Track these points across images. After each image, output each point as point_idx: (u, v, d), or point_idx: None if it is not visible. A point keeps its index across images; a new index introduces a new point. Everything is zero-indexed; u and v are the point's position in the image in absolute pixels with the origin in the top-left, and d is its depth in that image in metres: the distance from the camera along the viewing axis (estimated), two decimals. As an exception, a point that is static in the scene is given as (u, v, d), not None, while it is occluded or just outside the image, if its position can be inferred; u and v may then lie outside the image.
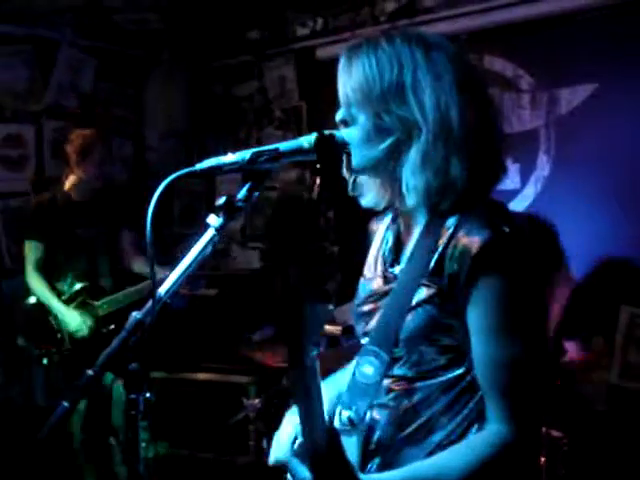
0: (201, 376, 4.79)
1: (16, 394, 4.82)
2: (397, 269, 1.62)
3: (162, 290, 1.46)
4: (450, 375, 1.50)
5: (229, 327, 4.98)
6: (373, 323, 1.61)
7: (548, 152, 4.23)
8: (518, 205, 4.26)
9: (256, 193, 1.52)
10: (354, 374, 1.61)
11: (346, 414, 1.60)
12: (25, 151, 4.89)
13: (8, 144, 4.81)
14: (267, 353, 3.76)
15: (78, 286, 4.19)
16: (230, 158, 1.50)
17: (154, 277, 1.42)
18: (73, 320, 4.09)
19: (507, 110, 4.30)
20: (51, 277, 4.21)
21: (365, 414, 1.58)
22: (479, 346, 1.46)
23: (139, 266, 4.38)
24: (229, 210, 1.49)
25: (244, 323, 4.99)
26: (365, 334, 1.64)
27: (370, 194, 1.66)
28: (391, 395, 1.56)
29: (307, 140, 1.53)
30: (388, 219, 1.76)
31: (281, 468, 1.62)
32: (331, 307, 3.74)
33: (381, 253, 1.71)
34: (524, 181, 4.30)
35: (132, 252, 4.41)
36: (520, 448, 1.46)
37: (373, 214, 1.77)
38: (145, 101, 5.74)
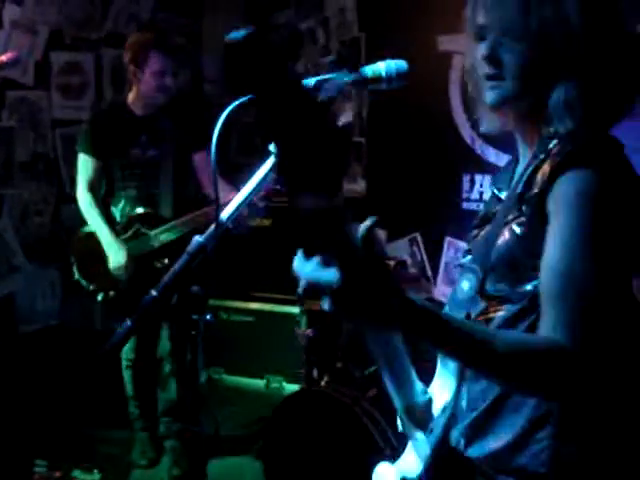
0: (254, 305, 4.87)
1: (74, 317, 4.96)
2: (504, 194, 1.60)
3: (224, 216, 1.48)
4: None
5: (282, 258, 5.01)
6: (476, 242, 1.62)
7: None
8: None
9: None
10: (454, 291, 1.61)
11: None
12: (84, 79, 4.93)
13: (67, 72, 4.84)
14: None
15: (134, 212, 3.70)
16: (293, 86, 1.49)
17: (218, 202, 1.43)
18: (116, 256, 3.57)
19: None
20: (105, 201, 3.77)
21: None
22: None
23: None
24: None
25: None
26: (468, 252, 1.64)
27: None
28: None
29: (371, 69, 1.54)
30: None
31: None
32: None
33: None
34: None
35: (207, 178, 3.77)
36: (579, 362, 1.26)
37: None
38: (203, 31, 5.71)
